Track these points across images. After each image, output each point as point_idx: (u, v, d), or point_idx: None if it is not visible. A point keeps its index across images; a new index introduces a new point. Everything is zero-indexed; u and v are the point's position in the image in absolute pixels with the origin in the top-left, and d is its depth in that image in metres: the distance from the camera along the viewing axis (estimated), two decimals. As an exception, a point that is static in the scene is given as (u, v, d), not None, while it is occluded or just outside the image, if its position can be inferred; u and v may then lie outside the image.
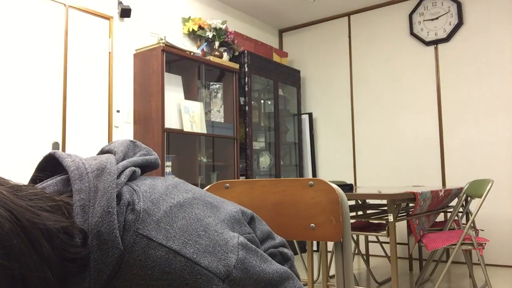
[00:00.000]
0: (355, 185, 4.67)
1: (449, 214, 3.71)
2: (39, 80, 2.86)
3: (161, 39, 3.35)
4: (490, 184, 2.72)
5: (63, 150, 2.95)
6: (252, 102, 4.23)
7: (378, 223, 3.32)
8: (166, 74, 3.39)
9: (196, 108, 3.58)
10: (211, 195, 0.65)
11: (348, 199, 1.95)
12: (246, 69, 4.13)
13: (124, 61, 3.42)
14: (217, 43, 3.98)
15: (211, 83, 3.97)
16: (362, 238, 4.28)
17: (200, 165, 3.78)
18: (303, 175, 4.88)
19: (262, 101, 4.67)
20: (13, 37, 2.75)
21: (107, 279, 0.50)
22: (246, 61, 4.14)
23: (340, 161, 4.81)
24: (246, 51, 4.16)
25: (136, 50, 3.48)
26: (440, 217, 3.93)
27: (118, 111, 3.33)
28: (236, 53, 4.16)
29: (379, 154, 4.55)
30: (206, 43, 3.96)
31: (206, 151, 3.92)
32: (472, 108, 4.06)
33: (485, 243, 2.66)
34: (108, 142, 3.22)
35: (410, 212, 2.75)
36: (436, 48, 4.28)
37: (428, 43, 4.31)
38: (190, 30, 3.93)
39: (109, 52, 3.31)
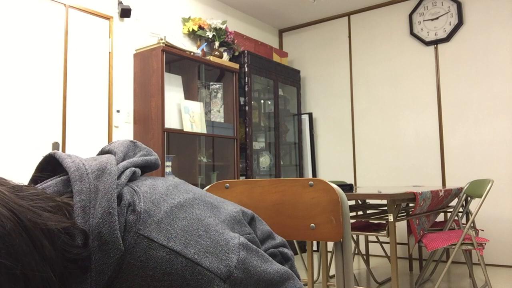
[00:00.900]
0: (355, 185, 4.67)
1: (449, 214, 3.71)
2: (39, 80, 2.86)
3: (161, 39, 3.35)
4: (490, 184, 2.72)
5: (63, 150, 2.95)
6: (252, 102, 4.23)
7: (378, 223, 3.32)
8: (166, 74, 3.39)
9: (196, 108, 3.58)
10: (211, 195, 0.65)
11: (348, 199, 1.95)
12: (246, 69, 4.13)
13: (124, 61, 3.42)
14: (217, 43, 3.98)
15: (211, 83, 3.97)
16: (362, 238, 4.28)
17: (200, 165, 3.78)
18: (303, 175, 4.88)
19: (262, 101, 4.67)
20: (13, 37, 2.75)
21: (109, 280, 0.50)
22: (246, 61, 4.14)
23: (340, 161, 4.81)
24: (246, 51, 4.16)
25: (136, 50, 3.48)
26: (440, 217, 3.93)
27: (118, 111, 3.33)
28: (236, 53, 4.16)
29: (379, 154, 4.55)
30: (206, 43, 3.96)
31: (206, 151, 3.92)
32: (472, 108, 4.06)
33: (485, 243, 2.66)
34: (108, 142, 3.23)
35: (410, 212, 2.75)
36: (436, 48, 4.28)
37: (428, 43, 4.31)
38: (190, 30, 3.93)
39: (109, 52, 3.31)
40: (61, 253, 0.46)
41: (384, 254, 4.36)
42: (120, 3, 3.36)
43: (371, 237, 4.02)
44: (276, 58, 4.74)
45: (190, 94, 3.67)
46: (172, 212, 0.54)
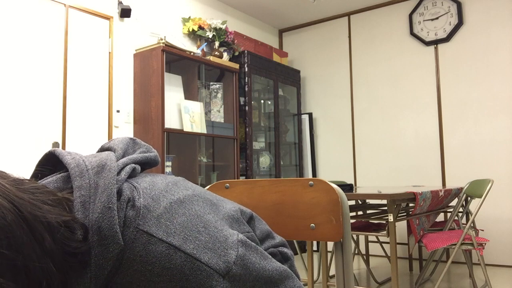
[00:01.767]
0: (355, 185, 4.67)
1: (449, 214, 3.71)
2: (39, 80, 2.86)
3: (161, 39, 3.35)
4: (490, 184, 2.72)
5: (63, 150, 2.95)
6: (252, 102, 4.23)
7: (378, 223, 3.32)
8: (166, 74, 3.39)
9: (196, 108, 3.58)
10: (210, 193, 0.65)
11: (348, 199, 1.95)
12: (246, 69, 4.13)
13: (124, 61, 3.42)
14: (217, 43, 3.98)
15: (211, 83, 3.97)
16: (362, 238, 4.28)
17: (200, 165, 3.78)
18: (303, 175, 4.88)
19: (262, 101, 4.67)
20: (13, 37, 2.75)
21: (108, 275, 0.50)
22: (246, 61, 4.14)
23: (340, 161, 4.81)
24: (246, 51, 4.16)
25: (136, 50, 3.48)
26: (440, 217, 3.93)
27: (118, 111, 3.33)
28: (236, 53, 4.16)
29: (379, 154, 4.55)
30: (206, 43, 3.96)
31: (206, 151, 3.92)
32: (472, 108, 4.06)
33: (485, 243, 2.66)
34: (108, 142, 3.22)
35: (410, 212, 2.75)
36: (436, 48, 4.28)
37: (428, 43, 4.31)
38: (190, 30, 3.93)
39: (109, 52, 3.31)
40: (61, 246, 0.46)
41: (384, 254, 4.36)
42: (120, 3, 3.36)
43: (371, 237, 4.02)
44: (276, 58, 4.74)
45: (190, 94, 3.67)
46: (171, 208, 0.54)
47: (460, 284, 3.26)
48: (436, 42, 4.26)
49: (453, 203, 3.40)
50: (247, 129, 4.07)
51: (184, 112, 3.47)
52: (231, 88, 4.00)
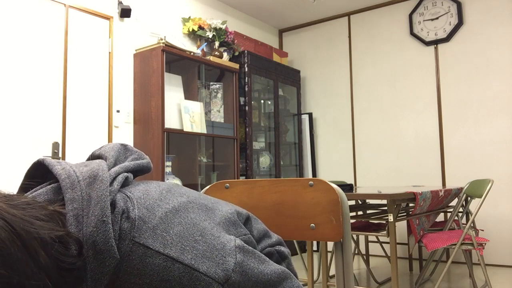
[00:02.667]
0: (355, 185, 4.67)
1: (449, 214, 3.71)
2: (39, 80, 2.86)
3: (161, 39, 3.35)
4: (490, 184, 2.72)
5: (63, 150, 2.95)
6: (252, 102, 4.23)
7: (378, 223, 3.32)
8: (166, 74, 3.39)
9: (196, 108, 3.58)
10: (205, 196, 0.64)
11: (348, 199, 1.95)
12: (246, 69, 4.13)
13: (124, 61, 3.42)
14: (217, 43, 3.98)
15: (211, 83, 3.97)
16: (362, 238, 4.28)
17: (200, 165, 3.78)
18: (303, 175, 4.88)
19: (262, 101, 4.67)
20: (13, 37, 2.75)
21: None
22: (246, 61, 4.14)
23: (340, 161, 4.81)
24: (246, 51, 4.16)
25: (136, 50, 3.48)
26: (440, 217, 3.93)
27: (118, 111, 3.33)
28: (236, 53, 4.16)
29: (379, 154, 4.55)
30: (206, 43, 3.96)
31: (206, 151, 3.92)
32: (472, 108, 4.06)
33: (485, 243, 2.66)
34: (108, 142, 3.23)
35: (410, 212, 2.75)
36: (436, 48, 4.28)
37: (428, 43, 4.31)
38: (190, 30, 3.93)
39: (109, 52, 3.31)
40: (56, 262, 0.45)
41: (384, 254, 4.36)
42: (120, 3, 3.36)
43: (371, 237, 4.02)
44: (276, 58, 4.74)
45: (190, 94, 3.67)
46: (167, 217, 0.53)
47: (460, 284, 3.26)
48: (436, 42, 4.26)
49: (453, 203, 3.40)
50: (247, 129, 4.07)
51: (184, 112, 3.47)
52: (231, 88, 4.00)
